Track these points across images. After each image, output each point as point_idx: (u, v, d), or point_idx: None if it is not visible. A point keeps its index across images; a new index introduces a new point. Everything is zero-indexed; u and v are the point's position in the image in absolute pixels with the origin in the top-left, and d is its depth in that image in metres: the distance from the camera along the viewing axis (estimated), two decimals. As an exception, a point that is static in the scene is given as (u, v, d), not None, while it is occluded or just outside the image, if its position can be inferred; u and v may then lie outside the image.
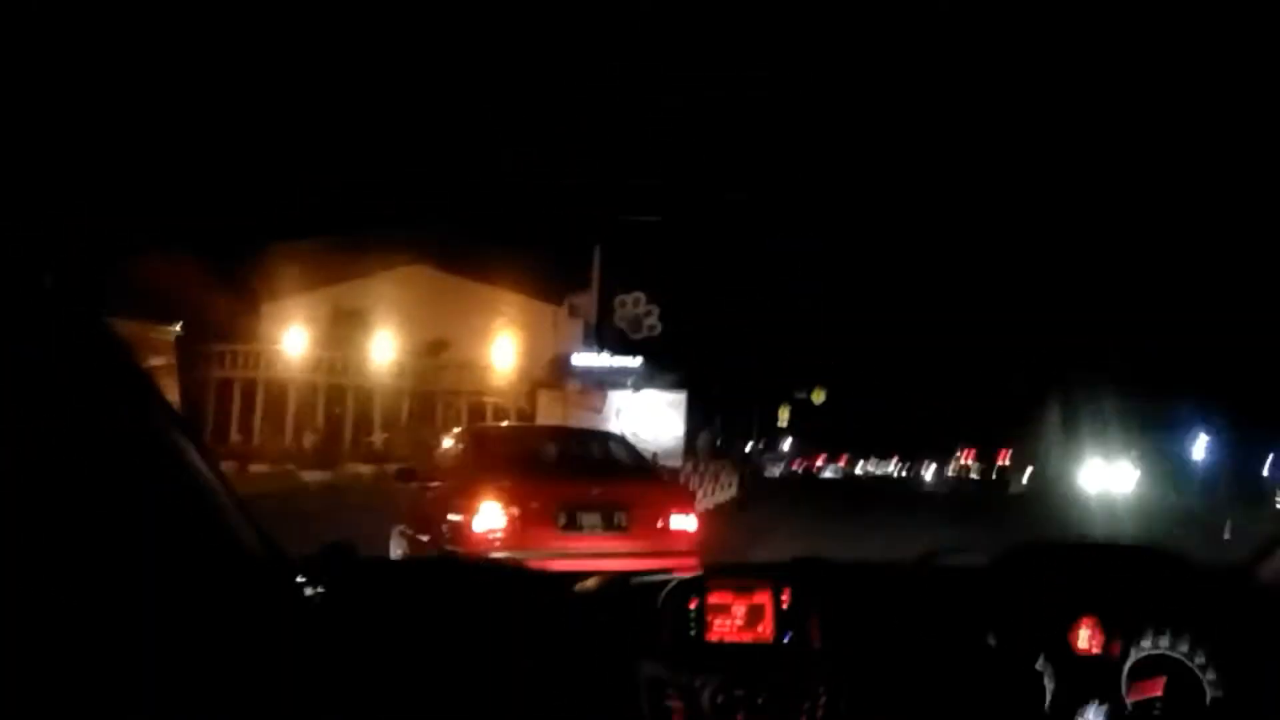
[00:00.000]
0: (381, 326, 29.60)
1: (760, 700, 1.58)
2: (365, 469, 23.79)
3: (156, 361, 25.75)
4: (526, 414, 32.32)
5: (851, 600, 1.74)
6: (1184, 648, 1.67)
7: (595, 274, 32.23)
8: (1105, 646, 1.70)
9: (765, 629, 1.68)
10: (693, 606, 1.67)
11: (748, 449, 43.47)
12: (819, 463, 62.52)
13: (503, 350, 30.85)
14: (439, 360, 30.55)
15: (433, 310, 29.33)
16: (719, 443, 33.42)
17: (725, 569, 1.85)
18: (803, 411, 44.73)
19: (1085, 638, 1.72)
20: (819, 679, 1.61)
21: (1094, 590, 1.76)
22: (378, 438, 27.55)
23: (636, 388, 31.08)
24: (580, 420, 33.18)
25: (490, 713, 1.52)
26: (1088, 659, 1.70)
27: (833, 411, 48.58)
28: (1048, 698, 1.67)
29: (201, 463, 0.91)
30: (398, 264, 29.62)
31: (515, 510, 6.12)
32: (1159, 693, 1.68)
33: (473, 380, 30.51)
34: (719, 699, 1.57)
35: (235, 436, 26.28)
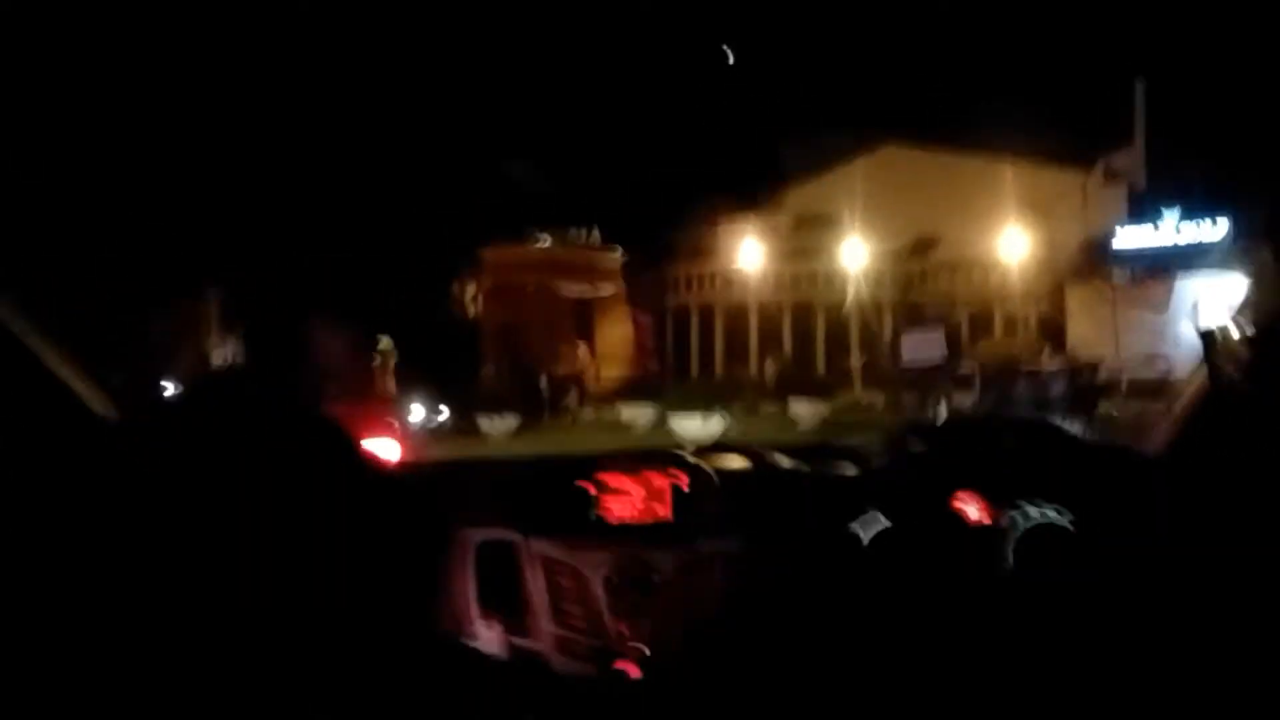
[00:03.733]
0: (851, 229, 24.88)
1: (655, 579, 1.61)
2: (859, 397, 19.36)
3: (605, 291, 24.15)
4: (1051, 321, 25.22)
5: (750, 486, 1.78)
6: (1069, 517, 1.72)
7: (1139, 120, 23.91)
8: (993, 516, 1.73)
9: (663, 510, 1.71)
10: (589, 490, 1.71)
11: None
12: None
13: (1012, 241, 24.03)
14: (926, 262, 25.05)
15: (914, 200, 23.72)
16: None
17: (620, 454, 1.86)
18: None
19: (972, 510, 1.76)
20: (716, 557, 1.66)
21: (975, 463, 1.87)
22: (856, 361, 23.26)
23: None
24: (1132, 323, 25.29)
25: (323, 589, 1.35)
26: (975, 529, 1.74)
27: None
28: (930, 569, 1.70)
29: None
30: (865, 150, 24.58)
31: None
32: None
33: (972, 284, 24.50)
34: (612, 579, 1.61)
35: (695, 370, 23.82)
